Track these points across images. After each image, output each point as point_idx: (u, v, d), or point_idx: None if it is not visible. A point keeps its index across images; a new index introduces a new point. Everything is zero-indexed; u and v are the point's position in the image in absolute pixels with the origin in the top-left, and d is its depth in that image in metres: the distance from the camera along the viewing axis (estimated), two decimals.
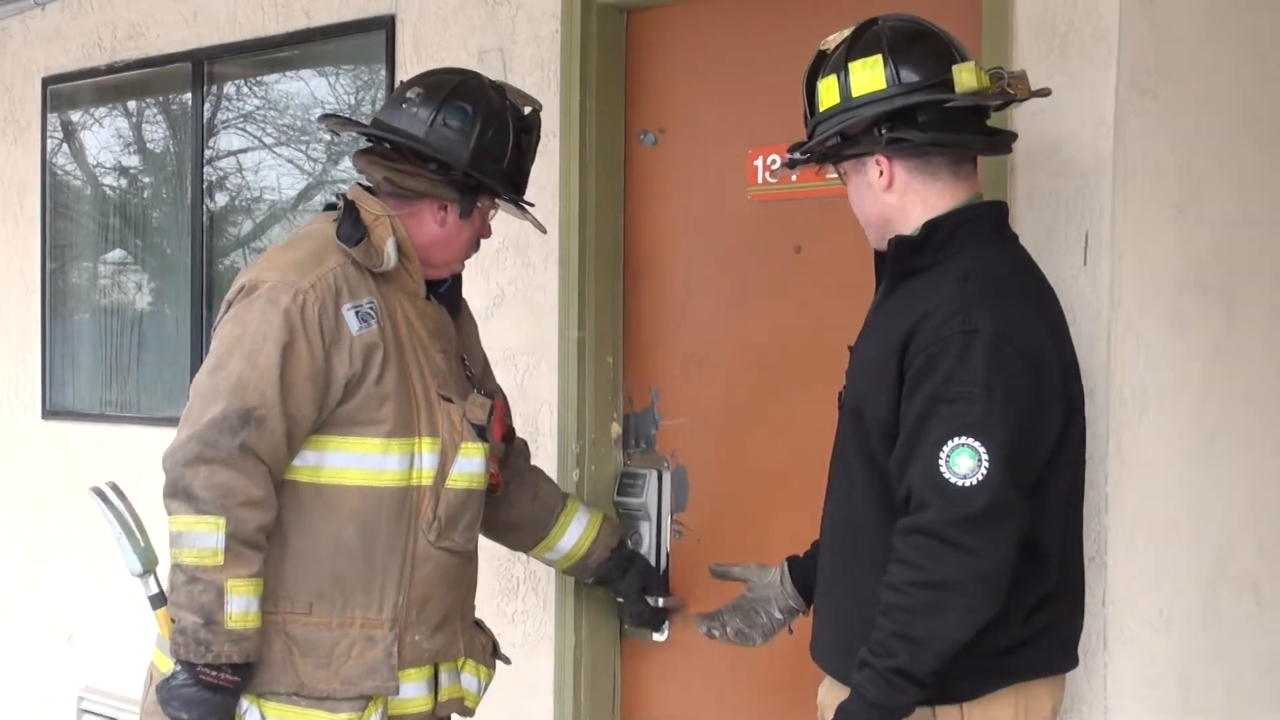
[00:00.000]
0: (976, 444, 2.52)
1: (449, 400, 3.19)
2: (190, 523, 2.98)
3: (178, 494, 3.00)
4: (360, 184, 3.26)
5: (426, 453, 3.14)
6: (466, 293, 3.90)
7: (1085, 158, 2.99)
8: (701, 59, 3.80)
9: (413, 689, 3.19)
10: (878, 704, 2.56)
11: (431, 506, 3.15)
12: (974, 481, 2.51)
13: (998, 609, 2.56)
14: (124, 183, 5.57)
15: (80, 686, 5.46)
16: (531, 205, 3.33)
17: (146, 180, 5.50)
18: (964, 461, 2.51)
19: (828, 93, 2.78)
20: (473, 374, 3.38)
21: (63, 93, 5.56)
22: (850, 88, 2.75)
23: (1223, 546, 3.17)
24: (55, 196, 5.66)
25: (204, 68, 4.95)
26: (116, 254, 5.55)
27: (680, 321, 3.85)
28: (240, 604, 2.98)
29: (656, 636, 3.86)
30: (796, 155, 2.85)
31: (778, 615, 3.16)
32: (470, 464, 3.19)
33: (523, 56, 4.01)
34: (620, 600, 3.73)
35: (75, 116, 5.63)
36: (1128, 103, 2.97)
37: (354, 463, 3.10)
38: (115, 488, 3.25)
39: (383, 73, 4.37)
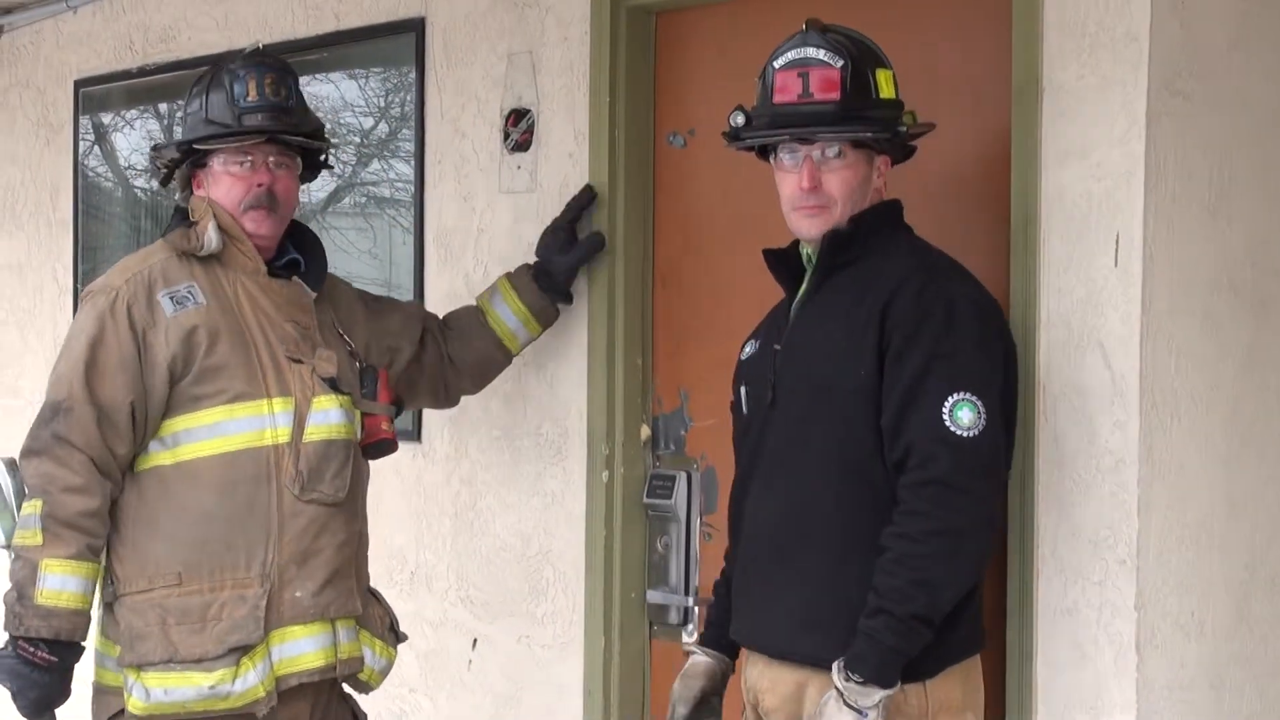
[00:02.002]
0: (974, 398, 2.72)
1: (299, 362, 3.37)
2: (24, 509, 3.24)
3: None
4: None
5: (280, 412, 3.32)
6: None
7: (1116, 159, 2.98)
8: (731, 60, 3.79)
9: (300, 646, 3.32)
10: (894, 649, 2.70)
11: (293, 461, 3.32)
12: (976, 432, 2.72)
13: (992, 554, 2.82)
14: (155, 184, 5.59)
15: None
16: (285, 132, 3.47)
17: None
18: (965, 414, 2.71)
19: (887, 85, 2.94)
20: (354, 348, 3.52)
21: (94, 95, 5.58)
22: (897, 90, 2.95)
23: (1255, 549, 3.15)
24: (87, 198, 5.68)
25: None
26: None
27: (709, 323, 3.85)
28: (54, 582, 3.19)
29: (687, 638, 3.86)
30: (868, 134, 2.91)
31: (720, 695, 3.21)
32: (326, 416, 3.37)
33: (552, 59, 4.01)
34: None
35: (107, 119, 5.66)
36: (1159, 103, 2.96)
37: (204, 434, 3.30)
38: (11, 463, 3.41)
39: (412, 75, 4.38)
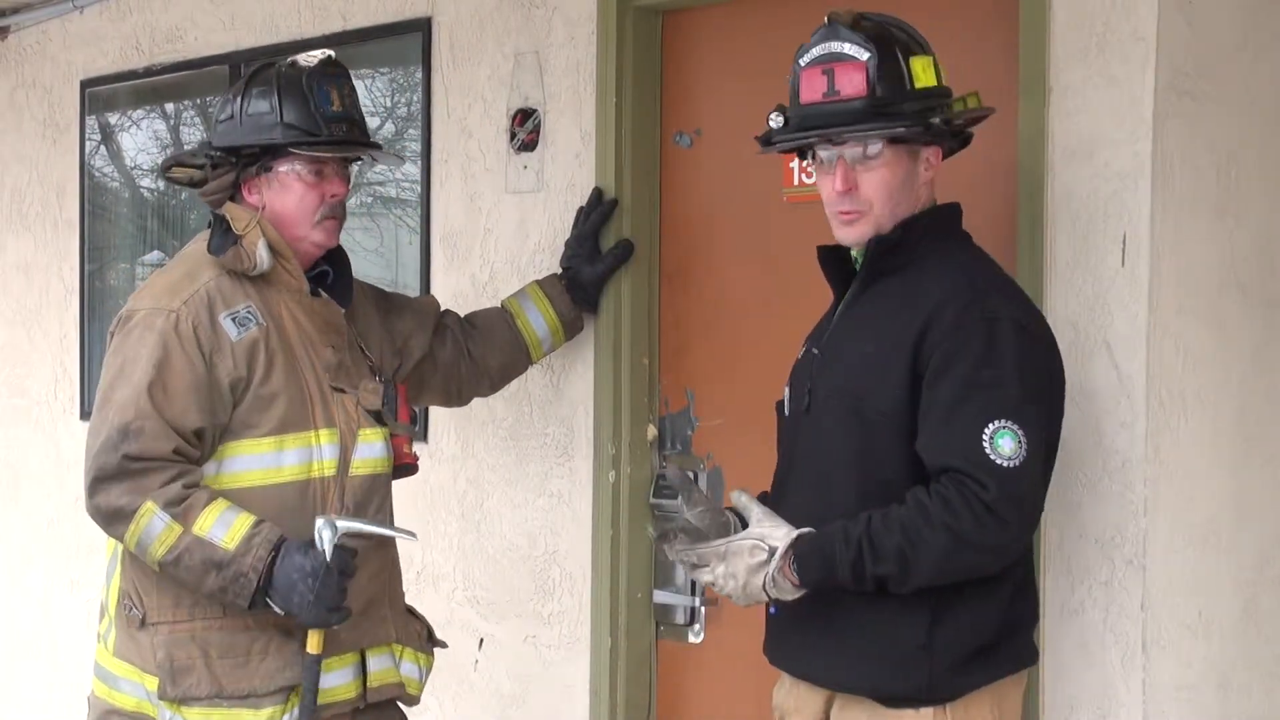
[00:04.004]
0: (1015, 427, 2.61)
1: (342, 391, 3.28)
2: (133, 531, 3.10)
3: (108, 518, 3.12)
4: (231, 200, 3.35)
5: (326, 444, 3.23)
6: (503, 292, 3.91)
7: (1123, 159, 2.98)
8: (737, 60, 3.79)
9: (335, 678, 3.25)
10: (842, 583, 2.66)
11: (338, 496, 3.24)
12: (1018, 463, 2.60)
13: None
14: (161, 185, 5.60)
15: None
16: (370, 146, 3.44)
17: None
18: (1007, 444, 2.60)
19: (926, 72, 2.77)
20: (374, 362, 3.45)
21: (101, 95, 5.58)
22: (940, 76, 2.79)
23: (1263, 549, 3.15)
24: (94, 198, 5.69)
25: (241, 70, 4.97)
26: (154, 256, 5.57)
27: (715, 323, 3.85)
28: (219, 529, 3.07)
29: (693, 638, 3.86)
30: (900, 129, 2.74)
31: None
32: (371, 449, 3.29)
33: (559, 59, 4.01)
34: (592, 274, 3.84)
35: (113, 118, 5.66)
36: (1166, 103, 2.96)
37: (251, 464, 3.19)
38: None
39: (419, 75, 4.38)
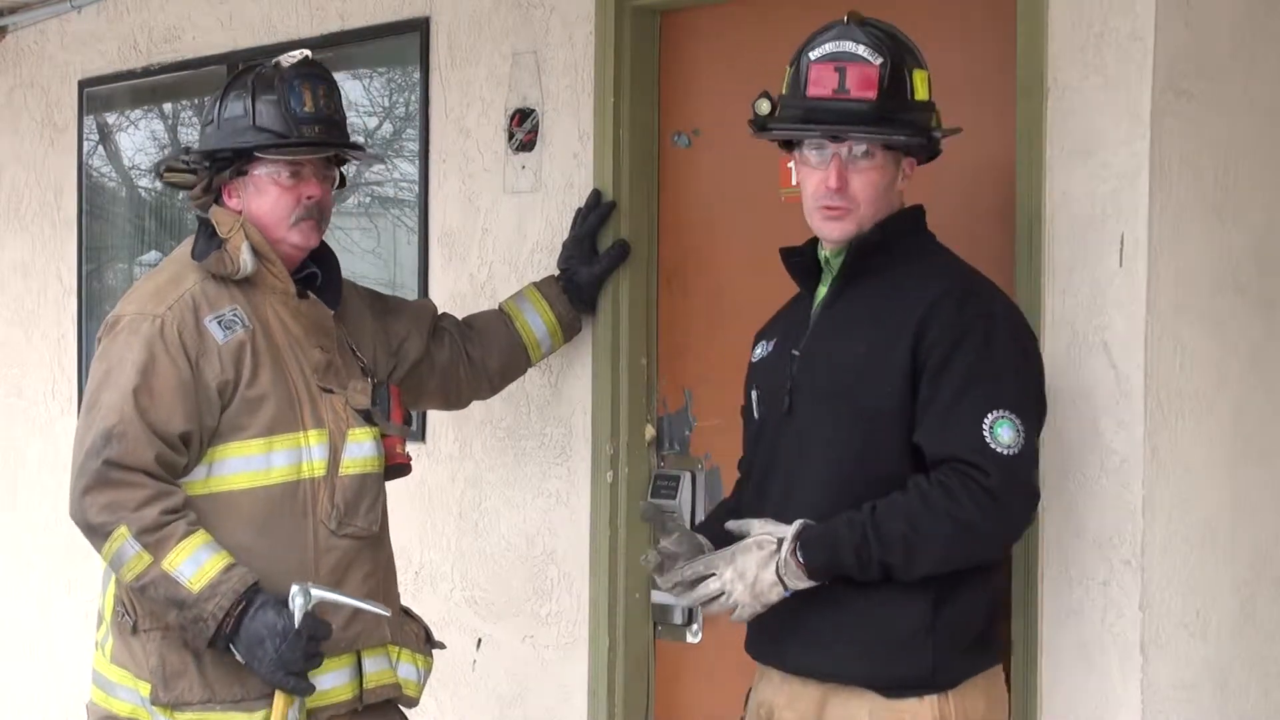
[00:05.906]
0: (1014, 417, 2.68)
1: (330, 391, 3.28)
2: (107, 550, 3.12)
3: (86, 531, 3.15)
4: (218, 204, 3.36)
5: (315, 445, 3.23)
6: (500, 292, 3.91)
7: (1121, 159, 2.98)
8: (735, 60, 3.79)
9: (330, 679, 3.24)
10: (848, 568, 2.71)
11: (328, 496, 3.24)
12: (1016, 451, 2.67)
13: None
14: (159, 185, 5.60)
15: None
16: (345, 146, 3.41)
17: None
18: (1006, 433, 2.67)
19: (922, 86, 2.84)
20: (365, 364, 3.44)
21: (99, 95, 5.58)
22: (930, 92, 2.85)
23: (1261, 549, 3.15)
24: (92, 198, 5.69)
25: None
26: (152, 256, 5.57)
27: (713, 323, 3.85)
28: (189, 567, 3.06)
29: (691, 638, 3.86)
30: (902, 138, 2.81)
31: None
32: (361, 449, 3.29)
33: (556, 59, 4.01)
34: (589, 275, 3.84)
35: (111, 119, 5.66)
36: (1164, 103, 2.96)
37: (240, 467, 3.20)
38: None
39: (417, 75, 4.38)
